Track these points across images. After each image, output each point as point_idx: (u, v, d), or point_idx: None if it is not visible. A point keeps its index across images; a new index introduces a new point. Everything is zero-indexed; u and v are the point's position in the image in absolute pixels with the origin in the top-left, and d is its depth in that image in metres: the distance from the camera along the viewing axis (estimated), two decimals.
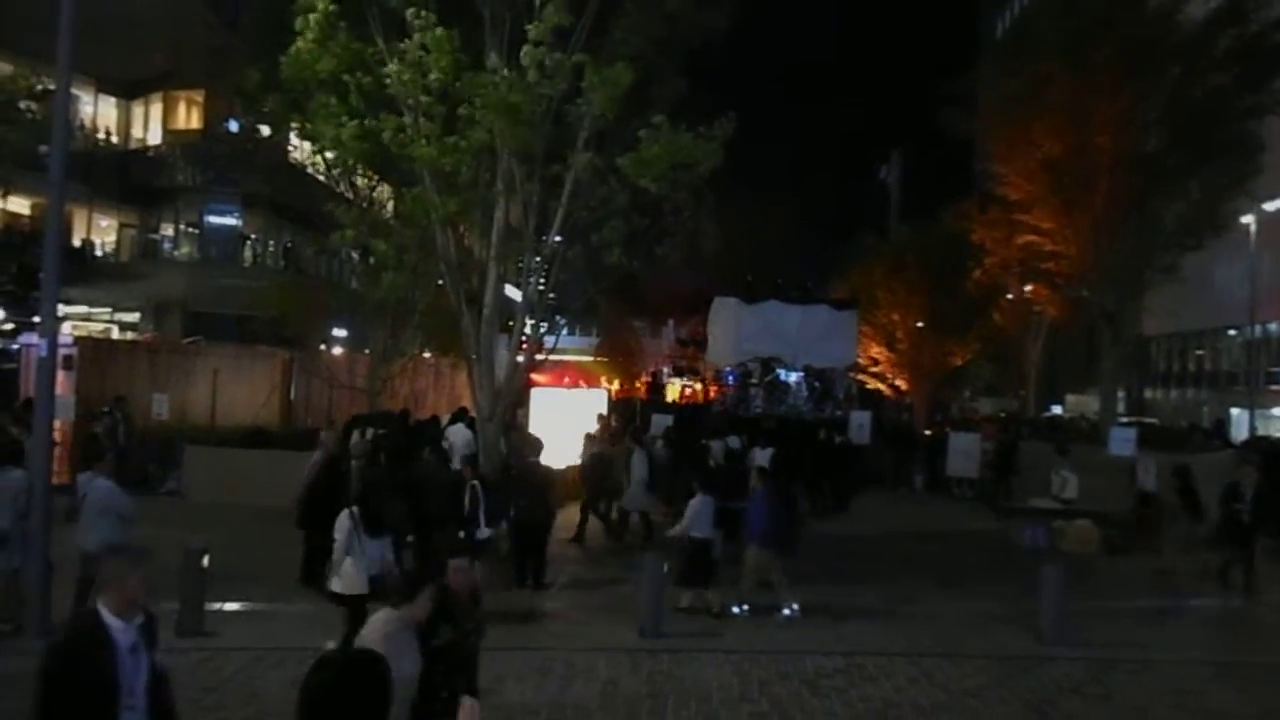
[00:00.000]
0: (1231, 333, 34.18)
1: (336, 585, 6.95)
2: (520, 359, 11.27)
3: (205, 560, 8.12)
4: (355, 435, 11.52)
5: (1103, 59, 18.51)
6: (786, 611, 9.16)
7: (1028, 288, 25.24)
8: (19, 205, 25.19)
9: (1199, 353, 37.99)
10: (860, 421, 21.94)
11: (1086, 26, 18.84)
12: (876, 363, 33.33)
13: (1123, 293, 20.21)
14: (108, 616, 3.19)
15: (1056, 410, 39.93)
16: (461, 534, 8.64)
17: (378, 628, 3.57)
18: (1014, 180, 21.20)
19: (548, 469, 10.89)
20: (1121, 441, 15.06)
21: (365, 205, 14.97)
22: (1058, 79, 19.24)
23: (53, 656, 3.13)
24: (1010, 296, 27.41)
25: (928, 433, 24.64)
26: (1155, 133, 19.17)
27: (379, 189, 14.98)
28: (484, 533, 8.89)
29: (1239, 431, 26.96)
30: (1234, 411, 30.83)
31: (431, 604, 3.68)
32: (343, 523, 7.01)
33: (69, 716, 3.05)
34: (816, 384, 27.31)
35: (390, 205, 14.28)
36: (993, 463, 19.31)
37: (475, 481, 9.15)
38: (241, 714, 6.31)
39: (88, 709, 3.10)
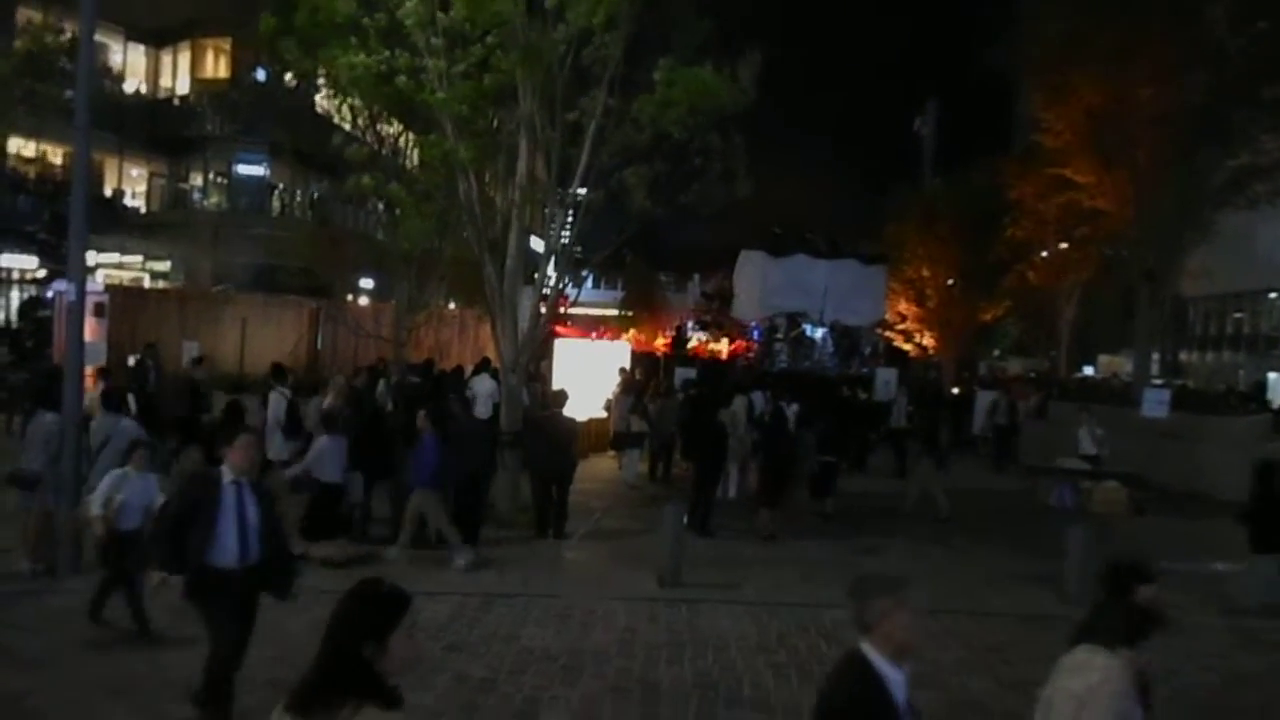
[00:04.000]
0: (1272, 295, 33.26)
1: None
2: (543, 310, 11.22)
3: None
4: (339, 380, 11.18)
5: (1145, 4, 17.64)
6: (461, 561, 8.63)
7: (1063, 245, 24.59)
8: (53, 154, 25.38)
9: (1238, 315, 37.05)
10: (886, 379, 21.70)
11: None
12: (904, 319, 32.79)
13: (1162, 251, 19.57)
14: (880, 664, 2.71)
15: (1089, 371, 39.27)
16: None
17: (1112, 677, 2.99)
18: (1056, 128, 20.43)
19: (571, 420, 10.88)
20: (1155, 403, 14.74)
21: (389, 153, 14.85)
22: (1099, 26, 18.40)
23: (836, 713, 2.75)
24: (1045, 254, 26.71)
25: (955, 391, 24.34)
26: (1199, 83, 18.31)
27: (404, 136, 14.83)
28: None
29: (1276, 396, 26.39)
30: (1271, 376, 30.14)
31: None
32: None
33: None
34: (843, 340, 27.02)
35: (414, 153, 14.15)
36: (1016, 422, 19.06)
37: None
38: (267, 653, 6.42)
39: None
